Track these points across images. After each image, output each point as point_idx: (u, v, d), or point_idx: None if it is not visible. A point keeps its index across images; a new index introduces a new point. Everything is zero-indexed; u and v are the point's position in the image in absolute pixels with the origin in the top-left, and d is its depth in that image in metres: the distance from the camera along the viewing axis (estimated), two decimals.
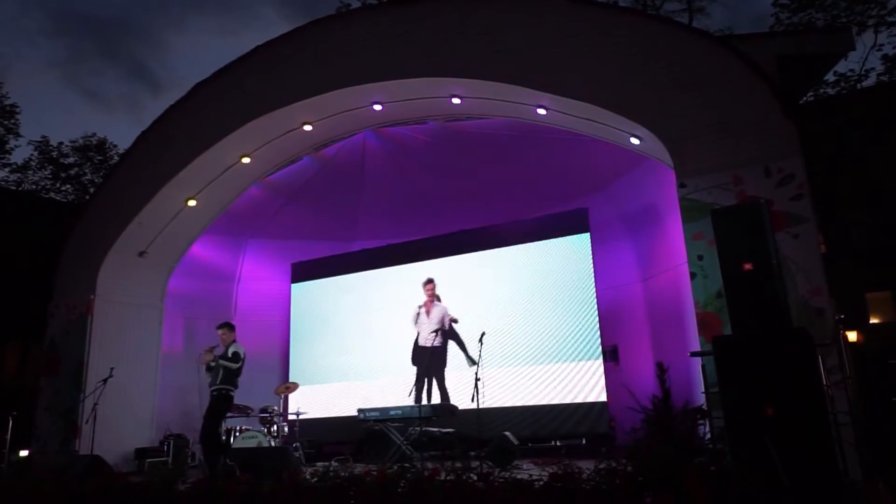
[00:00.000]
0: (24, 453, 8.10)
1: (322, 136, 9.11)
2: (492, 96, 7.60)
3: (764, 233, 4.18)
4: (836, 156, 13.15)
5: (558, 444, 8.36)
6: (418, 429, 7.49)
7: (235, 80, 8.59)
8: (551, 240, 9.24)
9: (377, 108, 8.27)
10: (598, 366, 8.46)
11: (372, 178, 10.62)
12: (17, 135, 21.29)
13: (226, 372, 6.98)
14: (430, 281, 9.93)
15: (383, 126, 9.18)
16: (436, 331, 9.65)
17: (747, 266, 4.11)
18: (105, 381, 7.74)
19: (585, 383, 8.46)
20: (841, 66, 16.24)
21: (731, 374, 3.84)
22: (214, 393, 6.98)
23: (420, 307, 9.90)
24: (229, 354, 7.03)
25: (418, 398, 9.35)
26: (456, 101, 7.85)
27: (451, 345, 9.58)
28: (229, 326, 7.39)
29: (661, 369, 3.66)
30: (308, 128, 8.63)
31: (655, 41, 6.66)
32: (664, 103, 6.44)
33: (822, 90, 16.52)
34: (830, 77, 16.52)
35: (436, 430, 7.89)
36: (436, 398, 9.40)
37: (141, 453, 8.79)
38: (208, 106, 8.72)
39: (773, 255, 4.13)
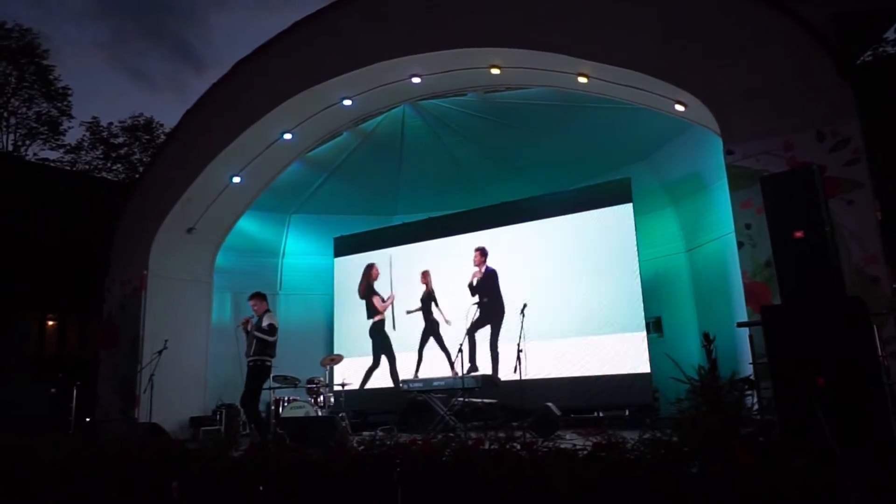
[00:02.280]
0: (90, 420, 8.52)
1: (361, 110, 9.14)
2: (531, 66, 7.47)
3: (816, 199, 4.04)
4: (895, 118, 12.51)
5: (601, 415, 8.36)
6: (461, 399, 7.59)
7: (275, 57, 8.66)
8: (593, 210, 9.11)
9: (416, 81, 8.24)
10: (641, 337, 8.38)
11: (411, 151, 10.62)
12: (70, 116, 21.99)
13: (261, 342, 7.16)
14: (477, 249, 9.94)
15: (422, 99, 9.15)
16: (487, 293, 9.72)
17: (798, 234, 3.99)
18: (160, 352, 8.05)
19: (629, 355, 8.41)
20: None
21: (781, 344, 3.75)
22: (251, 363, 7.18)
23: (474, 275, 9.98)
24: (264, 326, 7.18)
25: (473, 357, 9.49)
26: (495, 71, 7.75)
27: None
28: (260, 296, 7.47)
29: (708, 339, 3.61)
30: (347, 103, 8.66)
31: (700, 2, 6.41)
32: (710, 67, 6.22)
33: (881, 49, 15.67)
34: (890, 35, 15.64)
35: (478, 400, 7.98)
36: (484, 363, 9.50)
37: (195, 422, 9.17)
38: (250, 83, 8.83)
39: (825, 223, 4.00)
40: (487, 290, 9.72)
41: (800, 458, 2.75)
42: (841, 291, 3.95)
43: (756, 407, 4.40)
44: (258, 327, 7.19)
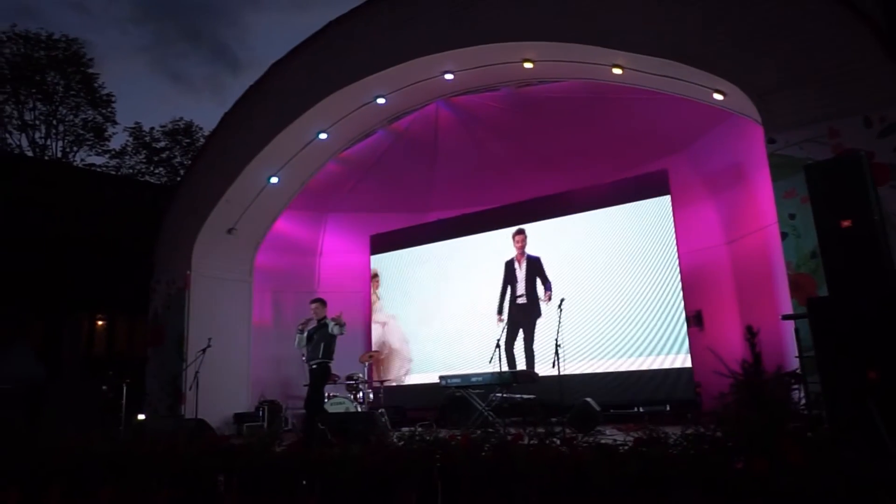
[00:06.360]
0: (141, 417, 8.78)
1: (395, 108, 9.20)
2: (565, 58, 7.42)
3: (864, 187, 3.91)
4: None
5: (641, 410, 8.25)
6: (500, 395, 7.58)
7: (309, 58, 8.78)
8: (630, 203, 8.99)
9: (448, 77, 8.25)
10: (681, 331, 8.24)
11: (445, 147, 10.64)
12: (114, 122, 22.62)
13: (326, 345, 7.20)
14: (520, 231, 9.82)
15: (455, 95, 9.15)
16: (527, 286, 9.62)
17: (846, 223, 3.87)
18: (204, 350, 8.26)
19: (669, 349, 8.28)
20: None
21: (828, 337, 3.65)
22: (315, 366, 7.22)
23: (513, 262, 9.84)
24: (341, 323, 7.23)
25: (510, 354, 9.33)
26: (528, 65, 7.70)
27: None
28: (321, 302, 7.54)
29: (751, 332, 3.53)
30: (381, 101, 8.73)
31: None
32: (749, 54, 6.07)
33: None
34: None
35: (517, 396, 7.96)
36: (519, 359, 9.43)
37: (239, 418, 9.38)
38: (285, 84, 8.98)
39: (874, 211, 3.87)
40: (530, 280, 9.64)
41: (850, 454, 2.68)
42: (891, 282, 3.82)
43: (803, 401, 4.30)
44: (335, 321, 7.19)
